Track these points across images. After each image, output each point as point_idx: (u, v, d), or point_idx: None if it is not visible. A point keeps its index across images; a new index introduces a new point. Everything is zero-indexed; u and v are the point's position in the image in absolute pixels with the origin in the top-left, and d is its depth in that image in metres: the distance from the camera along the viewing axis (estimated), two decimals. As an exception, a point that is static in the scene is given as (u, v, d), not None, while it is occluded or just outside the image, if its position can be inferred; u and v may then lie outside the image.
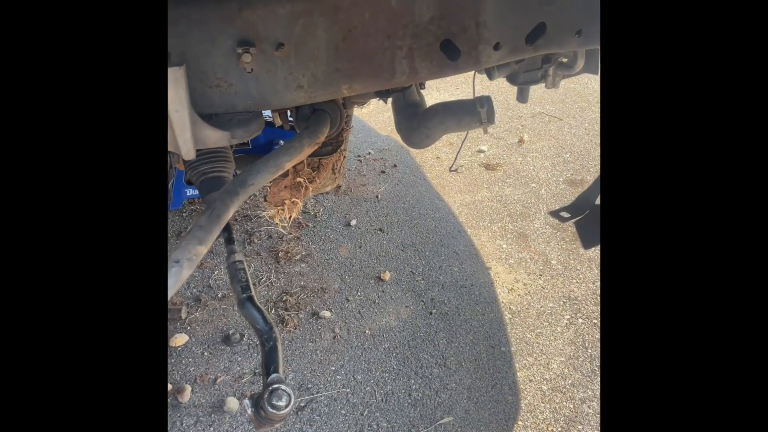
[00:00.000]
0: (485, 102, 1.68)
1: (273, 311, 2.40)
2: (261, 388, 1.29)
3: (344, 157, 2.04)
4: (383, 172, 3.60)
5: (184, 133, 1.26)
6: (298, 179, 1.82)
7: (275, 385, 1.24)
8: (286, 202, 1.83)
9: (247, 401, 1.26)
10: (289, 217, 1.90)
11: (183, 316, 2.32)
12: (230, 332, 2.24)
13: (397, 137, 4.14)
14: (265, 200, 1.86)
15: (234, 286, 1.43)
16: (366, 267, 2.70)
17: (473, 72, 1.79)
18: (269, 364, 1.34)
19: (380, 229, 2.99)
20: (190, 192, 3.14)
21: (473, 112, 1.68)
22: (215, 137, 1.36)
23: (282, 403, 1.23)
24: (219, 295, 2.48)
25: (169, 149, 1.34)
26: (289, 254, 2.75)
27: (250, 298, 1.41)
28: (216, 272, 2.63)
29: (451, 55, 1.42)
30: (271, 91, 1.40)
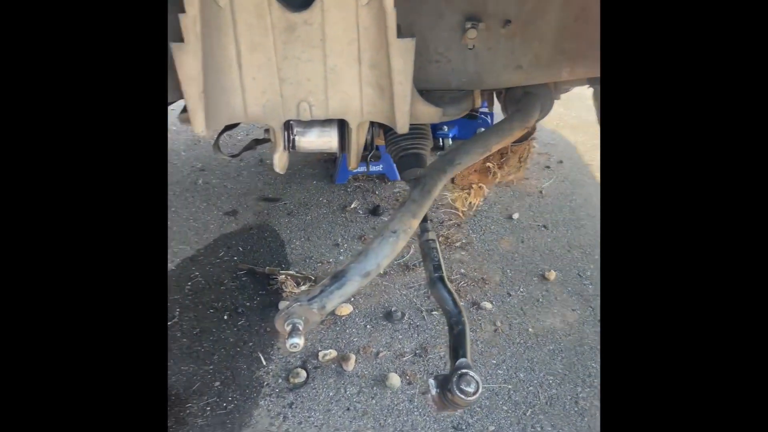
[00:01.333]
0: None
1: (433, 295, 2.39)
2: (448, 370, 1.27)
3: (530, 146, 1.96)
4: (548, 167, 3.45)
5: (404, 106, 1.26)
6: (488, 164, 1.77)
7: (464, 370, 1.21)
8: (474, 186, 1.80)
9: (432, 381, 1.25)
10: (474, 203, 1.87)
11: (348, 287, 2.38)
12: (392, 309, 2.26)
13: (564, 132, 3.95)
14: (453, 182, 1.84)
15: (426, 265, 1.43)
16: (529, 263, 2.60)
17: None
18: (457, 347, 1.31)
19: (544, 226, 2.87)
20: (358, 168, 3.23)
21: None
22: (429, 113, 1.35)
23: (470, 389, 1.19)
24: (381, 271, 2.51)
25: (383, 121, 1.35)
26: (449, 240, 2.73)
27: (441, 278, 1.39)
28: (378, 249, 2.67)
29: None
30: (488, 69, 1.36)
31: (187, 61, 1.16)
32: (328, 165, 3.41)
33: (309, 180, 3.30)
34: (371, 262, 1.16)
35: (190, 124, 1.28)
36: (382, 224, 2.82)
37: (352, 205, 3.03)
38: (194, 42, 1.14)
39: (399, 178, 3.24)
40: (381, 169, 3.18)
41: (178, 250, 2.65)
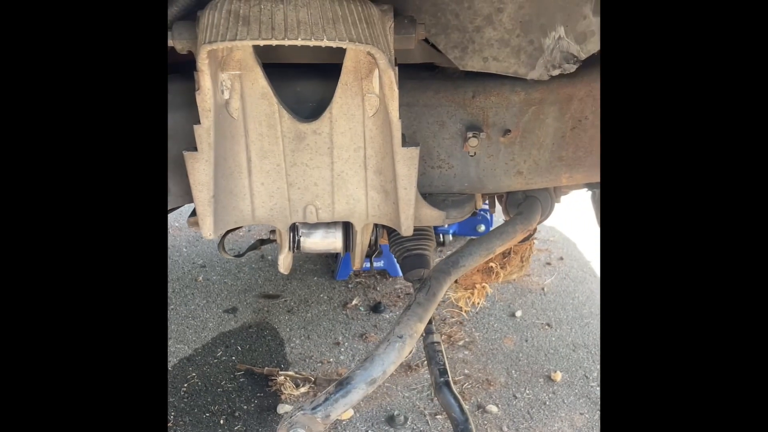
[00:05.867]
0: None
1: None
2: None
3: (532, 246, 1.98)
4: (548, 263, 3.46)
5: (408, 209, 1.29)
6: (491, 264, 1.79)
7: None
8: (477, 286, 1.80)
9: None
10: (476, 302, 1.86)
11: (349, 388, 2.31)
12: (395, 413, 2.18)
13: (563, 228, 4.00)
14: (456, 282, 1.85)
15: (431, 369, 1.40)
16: (534, 363, 2.54)
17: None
18: (465, 458, 1.26)
19: (548, 324, 2.83)
20: (358, 265, 3.24)
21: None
22: (432, 216, 1.37)
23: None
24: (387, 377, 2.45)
25: (388, 224, 1.38)
26: (452, 339, 2.68)
27: (447, 383, 1.36)
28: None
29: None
30: (489, 175, 1.41)
31: (199, 169, 1.20)
32: (329, 261, 3.42)
33: (310, 276, 3.29)
34: (377, 369, 1.14)
35: (198, 227, 1.30)
36: (388, 328, 2.79)
37: (354, 302, 3.01)
38: (207, 151, 1.18)
39: (400, 274, 3.25)
40: (382, 265, 3.18)
41: (175, 350, 2.60)
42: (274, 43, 0.96)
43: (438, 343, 1.42)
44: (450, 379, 1.36)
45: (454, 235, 3.57)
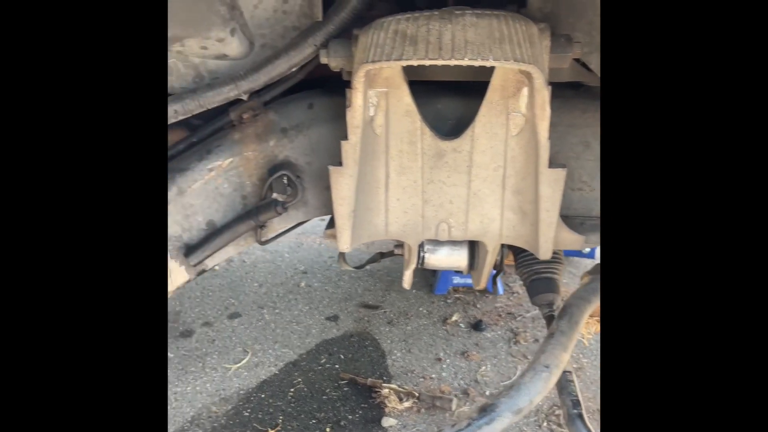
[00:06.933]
0: None
1: (544, 424, 2.23)
2: None
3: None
4: (660, 290, 3.27)
5: (549, 232, 1.24)
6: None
7: None
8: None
9: None
10: (599, 331, 1.78)
11: (453, 407, 2.28)
12: (501, 437, 2.12)
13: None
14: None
15: (563, 399, 1.34)
16: (649, 396, 2.39)
17: None
18: (602, 498, 1.19)
19: (662, 355, 2.67)
20: (458, 280, 3.20)
21: None
22: (572, 240, 1.32)
23: None
24: (486, 392, 2.40)
25: (522, 246, 1.34)
26: (558, 363, 2.58)
27: (581, 416, 1.29)
28: (483, 367, 2.57)
29: None
30: (634, 199, 1.34)
31: (343, 183, 1.21)
32: (427, 274, 3.40)
33: (409, 288, 3.29)
34: (524, 399, 1.10)
35: (334, 239, 1.32)
36: (490, 347, 2.73)
37: (453, 318, 2.97)
38: (352, 166, 1.20)
39: (501, 292, 3.18)
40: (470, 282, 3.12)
41: (281, 354, 2.67)
42: (440, 62, 0.95)
43: (570, 372, 1.36)
44: (583, 411, 1.29)
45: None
